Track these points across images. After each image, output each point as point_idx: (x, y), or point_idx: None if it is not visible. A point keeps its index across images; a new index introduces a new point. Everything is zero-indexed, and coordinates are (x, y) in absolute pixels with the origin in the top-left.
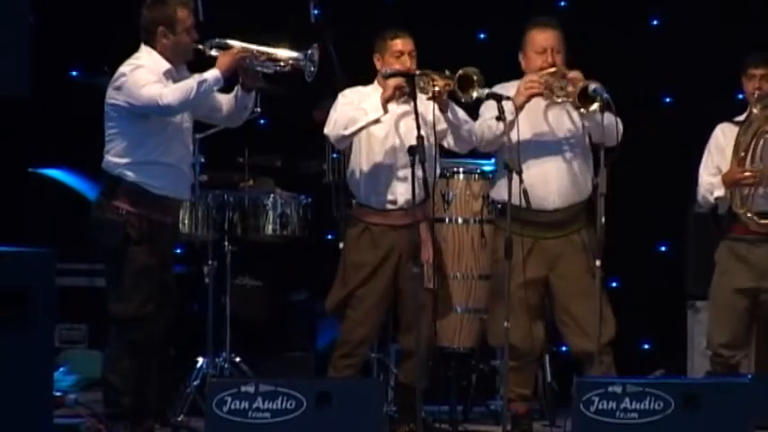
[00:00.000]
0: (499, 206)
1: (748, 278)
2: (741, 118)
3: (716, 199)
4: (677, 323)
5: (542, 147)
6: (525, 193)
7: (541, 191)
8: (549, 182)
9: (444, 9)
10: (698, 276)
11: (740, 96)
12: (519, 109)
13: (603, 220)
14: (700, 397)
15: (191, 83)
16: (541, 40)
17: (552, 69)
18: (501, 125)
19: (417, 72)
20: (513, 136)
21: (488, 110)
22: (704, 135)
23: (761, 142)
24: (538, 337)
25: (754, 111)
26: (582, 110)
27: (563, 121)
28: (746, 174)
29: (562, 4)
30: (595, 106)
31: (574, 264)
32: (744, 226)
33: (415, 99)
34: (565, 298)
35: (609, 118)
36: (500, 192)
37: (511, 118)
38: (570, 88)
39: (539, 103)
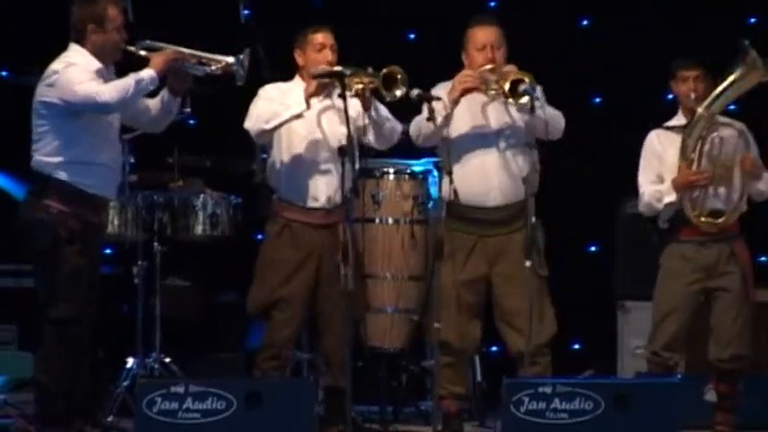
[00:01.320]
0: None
1: (697, 279)
2: (673, 122)
3: (665, 205)
4: (607, 323)
5: (483, 143)
6: (455, 193)
7: (482, 187)
8: (490, 178)
9: (373, 10)
10: (627, 277)
11: (669, 97)
12: (453, 104)
13: (534, 219)
14: (629, 397)
15: (128, 81)
16: (481, 37)
17: (490, 66)
18: (431, 125)
19: (347, 72)
20: (451, 132)
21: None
22: (633, 135)
23: (707, 142)
24: (474, 335)
25: (699, 110)
26: (511, 101)
27: (504, 117)
28: (698, 176)
29: (492, 4)
30: (525, 99)
31: (514, 262)
32: (693, 228)
33: (345, 100)
34: (504, 297)
35: (551, 112)
36: (447, 190)
37: (445, 113)
38: (501, 82)
39: (479, 99)
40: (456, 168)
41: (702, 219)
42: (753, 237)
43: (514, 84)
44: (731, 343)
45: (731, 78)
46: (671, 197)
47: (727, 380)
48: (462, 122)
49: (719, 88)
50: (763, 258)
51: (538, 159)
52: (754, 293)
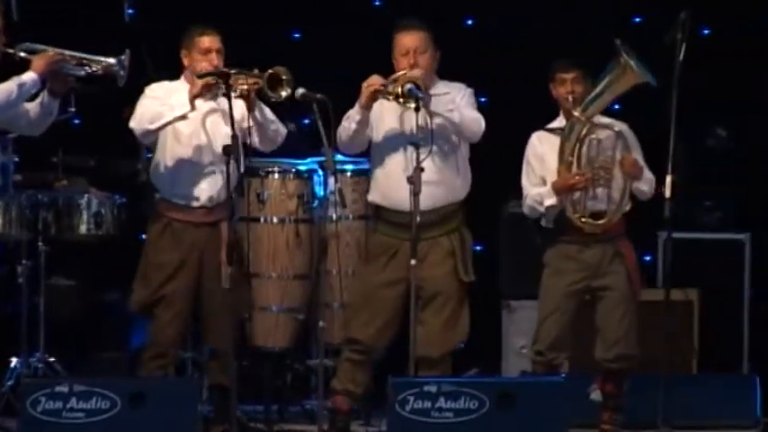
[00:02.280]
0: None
1: (581, 278)
2: (554, 125)
3: (547, 208)
4: (491, 323)
5: (402, 147)
6: (341, 192)
7: (404, 192)
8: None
9: (258, 9)
10: (512, 276)
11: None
12: (363, 108)
13: (419, 219)
14: (514, 396)
15: (10, 85)
16: (404, 43)
17: (399, 73)
18: (353, 126)
19: (232, 72)
20: (375, 135)
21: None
22: (517, 135)
23: (585, 145)
24: (387, 337)
25: (575, 113)
26: (401, 102)
27: (426, 120)
28: (577, 178)
29: (377, 3)
30: (413, 104)
31: (437, 267)
32: (576, 229)
33: (230, 99)
34: (422, 301)
35: (470, 115)
36: (373, 194)
37: (358, 118)
38: (395, 86)
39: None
40: (380, 173)
41: (584, 220)
42: (639, 236)
43: (406, 86)
44: (617, 343)
45: (606, 81)
46: (552, 200)
47: (614, 379)
48: (384, 127)
49: (595, 91)
50: (647, 258)
51: (466, 163)
52: (640, 292)
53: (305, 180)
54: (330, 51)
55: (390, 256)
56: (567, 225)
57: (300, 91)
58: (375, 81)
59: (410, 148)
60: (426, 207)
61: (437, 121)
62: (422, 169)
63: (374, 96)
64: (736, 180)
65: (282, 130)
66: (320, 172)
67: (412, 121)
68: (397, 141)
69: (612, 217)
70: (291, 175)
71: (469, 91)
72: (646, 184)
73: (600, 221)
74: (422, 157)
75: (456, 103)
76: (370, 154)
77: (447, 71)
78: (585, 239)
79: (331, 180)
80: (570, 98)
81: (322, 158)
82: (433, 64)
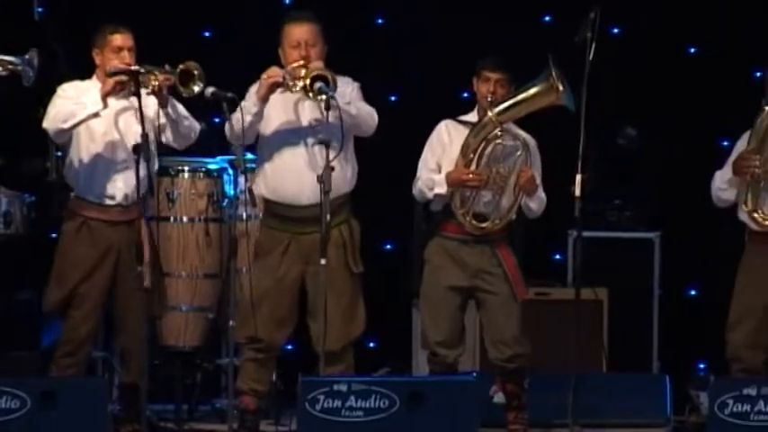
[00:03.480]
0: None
1: (461, 277)
2: (466, 117)
3: (435, 195)
4: (402, 321)
5: (295, 140)
6: (251, 191)
7: (296, 185)
8: (304, 176)
9: (171, 5)
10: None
11: (465, 95)
12: (261, 101)
13: (329, 218)
14: (425, 395)
15: None
16: (296, 34)
17: (300, 62)
18: (248, 118)
19: (142, 70)
20: (264, 128)
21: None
22: (428, 133)
23: (489, 147)
24: (285, 332)
25: (489, 114)
26: (310, 96)
27: (316, 114)
28: (472, 176)
29: (287, 2)
30: (323, 97)
31: (329, 260)
32: (458, 225)
33: (139, 98)
34: (315, 294)
35: (365, 108)
36: (259, 186)
37: (255, 110)
38: (303, 79)
39: (292, 97)
40: (269, 166)
41: (468, 219)
42: (549, 235)
43: (315, 80)
44: (508, 343)
45: (529, 93)
46: (442, 189)
47: (512, 379)
48: (275, 120)
49: (514, 99)
50: (558, 257)
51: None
52: (523, 291)
53: (215, 179)
54: (241, 50)
55: (282, 251)
56: (450, 220)
57: (210, 89)
58: (275, 73)
59: (310, 142)
60: (316, 201)
61: (334, 114)
62: (332, 168)
63: (273, 89)
64: (646, 179)
65: (196, 125)
66: (230, 171)
67: (306, 113)
68: (287, 134)
69: (494, 224)
70: (201, 174)
71: (357, 84)
72: (536, 203)
73: (482, 224)
74: (320, 149)
75: (350, 96)
76: (258, 146)
77: (358, 68)
78: (465, 238)
79: (241, 179)
80: (490, 98)
81: (232, 157)
82: (323, 57)
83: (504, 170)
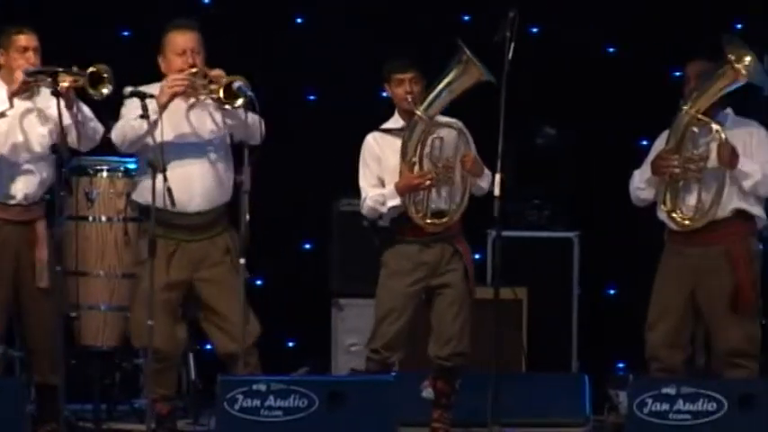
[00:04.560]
0: (141, 207)
1: (419, 278)
2: (389, 125)
3: (389, 208)
4: (321, 321)
5: (185, 148)
6: (170, 191)
7: (185, 193)
8: (193, 184)
9: (85, 7)
10: (342, 274)
11: (384, 94)
12: (162, 108)
13: (248, 217)
14: (344, 394)
15: None
16: (181, 42)
17: (194, 70)
18: (145, 124)
19: (60, 70)
20: (158, 136)
21: (130, 110)
22: (346, 132)
23: (428, 144)
24: (181, 338)
25: (417, 113)
26: (227, 105)
27: (205, 122)
28: (422, 179)
29: (206, 1)
30: (240, 102)
31: (218, 266)
32: (416, 229)
33: (58, 98)
34: (210, 300)
35: (252, 117)
36: (143, 193)
37: (154, 117)
38: (214, 86)
39: (180, 105)
40: (159, 174)
41: (428, 220)
42: (469, 235)
43: (228, 87)
44: (451, 340)
45: (447, 80)
46: (395, 201)
47: (446, 377)
48: (166, 127)
49: (436, 90)
50: (477, 256)
51: (248, 161)
52: (474, 291)
53: (133, 178)
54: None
55: (168, 258)
56: (406, 225)
57: (128, 89)
58: (180, 81)
59: (198, 149)
60: (207, 207)
61: (228, 121)
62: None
63: (175, 96)
64: (565, 178)
65: (100, 128)
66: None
67: (194, 120)
68: (182, 142)
69: (454, 215)
70: (120, 174)
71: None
72: (485, 181)
73: (442, 220)
74: (211, 157)
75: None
76: (142, 154)
77: (279, 69)
78: (425, 239)
79: (160, 178)
80: (410, 98)
81: (150, 156)
82: (204, 65)
83: (448, 162)
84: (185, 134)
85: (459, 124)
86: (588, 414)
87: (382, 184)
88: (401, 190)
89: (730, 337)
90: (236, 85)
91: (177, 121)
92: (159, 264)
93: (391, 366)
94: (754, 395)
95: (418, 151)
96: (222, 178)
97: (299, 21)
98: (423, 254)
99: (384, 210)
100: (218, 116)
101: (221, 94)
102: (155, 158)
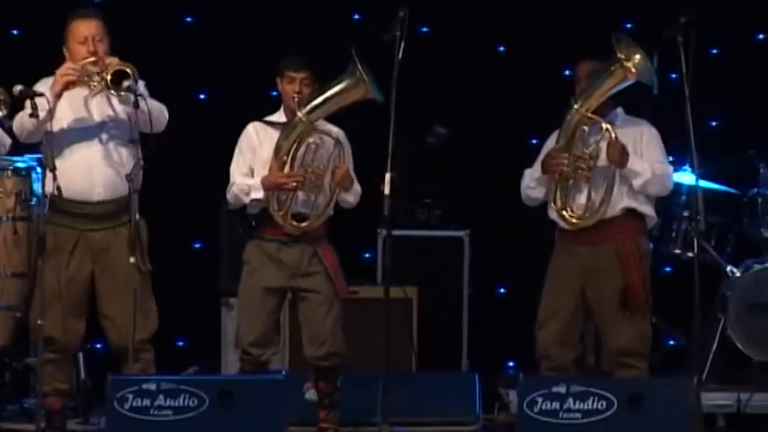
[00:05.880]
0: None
1: (280, 277)
2: (273, 118)
3: (251, 200)
4: (211, 320)
5: (85, 137)
6: (59, 188)
7: (86, 182)
8: (94, 173)
9: None
10: (231, 274)
11: (274, 93)
12: (56, 97)
13: (138, 216)
14: (234, 394)
15: None
16: (83, 30)
17: (92, 58)
18: (34, 121)
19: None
20: (54, 126)
21: (27, 107)
22: (236, 130)
23: (302, 147)
24: (78, 331)
25: (299, 115)
26: (113, 92)
27: (107, 110)
28: (288, 179)
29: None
30: (127, 91)
31: (118, 258)
32: (277, 227)
33: None
34: (106, 293)
35: (154, 104)
36: (48, 185)
37: (48, 107)
38: (103, 74)
39: (81, 93)
40: (60, 163)
41: (287, 220)
42: (359, 234)
43: (117, 75)
44: (326, 341)
45: (336, 89)
46: (258, 194)
47: (326, 377)
48: (65, 116)
49: (322, 97)
50: (367, 255)
51: (141, 155)
52: (343, 288)
53: (23, 177)
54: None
55: (71, 249)
56: (268, 222)
57: (18, 88)
58: (71, 70)
59: (97, 138)
60: (109, 197)
61: (128, 110)
62: (142, 166)
63: (68, 86)
64: (456, 177)
65: (14, 126)
66: (38, 169)
67: (94, 108)
68: (77, 131)
69: (314, 222)
70: (9, 173)
71: (143, 81)
72: (352, 196)
73: (302, 224)
74: (111, 146)
75: (141, 93)
76: (43, 146)
77: (167, 66)
78: (285, 239)
79: (49, 177)
80: (296, 98)
81: (41, 155)
82: (109, 52)
83: (318, 169)
84: (85, 123)
85: (340, 135)
86: (478, 413)
87: (253, 174)
88: (266, 185)
89: (620, 337)
90: (126, 83)
91: (78, 109)
92: (62, 255)
93: (265, 365)
94: (643, 394)
95: (292, 152)
96: (127, 168)
97: (188, 20)
98: (281, 253)
99: (247, 200)
100: (117, 104)
101: (110, 82)
102: (45, 157)
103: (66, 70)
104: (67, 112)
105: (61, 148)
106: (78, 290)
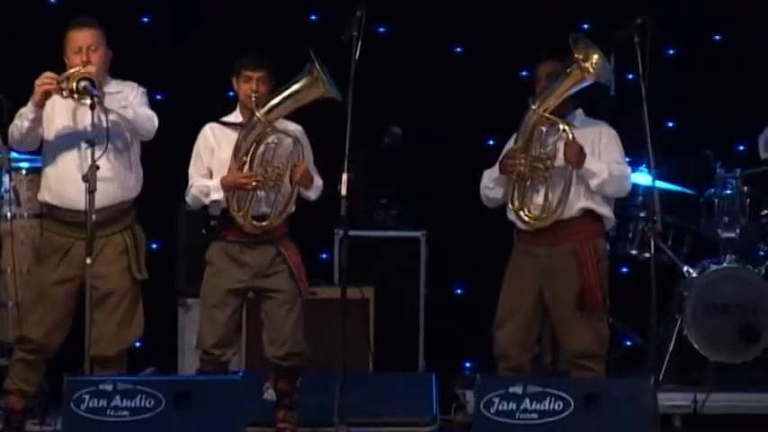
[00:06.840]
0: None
1: (242, 278)
2: (230, 119)
3: (211, 202)
4: (168, 321)
5: (75, 145)
6: (15, 190)
7: (78, 190)
8: (83, 182)
9: None
10: (189, 274)
11: (231, 94)
12: (36, 106)
13: (94, 217)
14: (191, 394)
15: None
16: (77, 40)
17: (76, 68)
18: (26, 124)
19: None
20: (47, 133)
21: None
22: (193, 131)
23: (261, 147)
24: (59, 336)
25: (257, 114)
26: (80, 101)
27: (101, 118)
28: (247, 180)
29: (53, 1)
30: (88, 100)
31: (110, 265)
32: (238, 228)
33: None
34: (96, 299)
35: (138, 112)
36: (43, 193)
37: (32, 116)
38: (68, 83)
39: (69, 102)
40: (52, 171)
41: (249, 221)
42: (316, 234)
43: (81, 82)
44: (287, 341)
45: (293, 88)
46: (218, 195)
47: (286, 377)
48: (58, 125)
49: (280, 96)
50: (324, 256)
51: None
52: (306, 289)
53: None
54: (5, 50)
55: (62, 254)
56: (229, 223)
57: (83, 83)
58: (48, 79)
59: (84, 146)
60: (100, 205)
61: (112, 118)
62: (97, 167)
63: (47, 94)
64: (413, 178)
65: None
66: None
67: (86, 118)
68: (69, 139)
69: (275, 221)
70: None
71: (142, 90)
72: (313, 192)
73: (263, 224)
74: (97, 154)
75: (129, 101)
76: (42, 152)
77: (124, 69)
78: (247, 240)
79: (6, 178)
80: (254, 97)
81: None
82: (106, 62)
83: (278, 168)
84: (75, 130)
85: (299, 133)
86: (435, 413)
87: (211, 175)
88: (226, 186)
89: (577, 339)
90: (82, 84)
91: (67, 117)
92: (51, 261)
93: (226, 365)
94: (600, 394)
95: (251, 152)
96: (121, 175)
97: (145, 20)
98: (244, 255)
99: (207, 201)
100: (102, 113)
101: (71, 91)
102: (2, 159)
103: (42, 80)
104: (60, 120)
105: (54, 155)
106: (64, 296)
